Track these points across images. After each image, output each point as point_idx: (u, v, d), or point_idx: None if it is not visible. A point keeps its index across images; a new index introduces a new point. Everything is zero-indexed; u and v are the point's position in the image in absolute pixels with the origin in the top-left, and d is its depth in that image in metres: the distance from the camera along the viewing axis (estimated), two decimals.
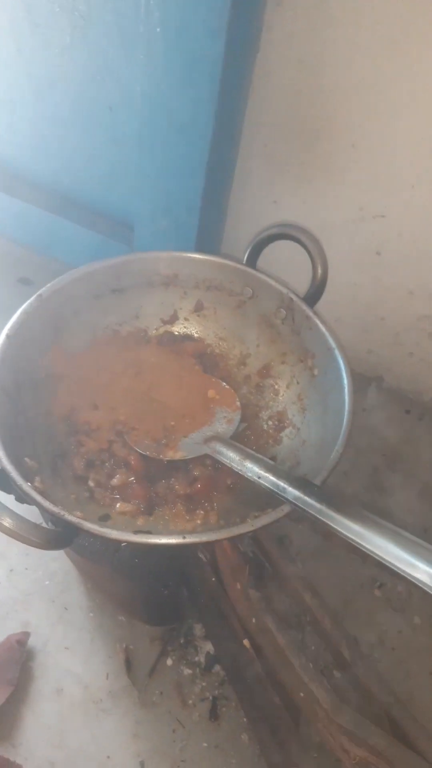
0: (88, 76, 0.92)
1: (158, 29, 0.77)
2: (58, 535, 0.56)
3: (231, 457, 0.66)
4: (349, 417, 0.66)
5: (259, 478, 0.61)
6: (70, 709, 0.84)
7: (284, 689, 0.77)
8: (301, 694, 0.76)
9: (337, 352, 0.72)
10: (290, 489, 0.58)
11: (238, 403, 0.78)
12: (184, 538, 0.56)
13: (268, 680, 0.77)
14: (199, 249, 1.00)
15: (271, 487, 0.59)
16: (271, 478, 0.60)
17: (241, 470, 0.63)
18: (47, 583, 0.94)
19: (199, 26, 0.74)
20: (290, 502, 0.57)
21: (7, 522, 0.53)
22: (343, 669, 0.82)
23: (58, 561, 0.96)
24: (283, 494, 0.58)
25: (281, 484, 0.59)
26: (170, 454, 0.72)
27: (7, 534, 0.53)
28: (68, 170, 1.08)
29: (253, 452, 0.65)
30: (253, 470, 0.62)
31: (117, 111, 0.93)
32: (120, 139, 0.96)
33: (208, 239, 1.01)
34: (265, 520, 0.58)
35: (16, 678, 0.84)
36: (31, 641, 0.89)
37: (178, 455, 0.72)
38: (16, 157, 1.13)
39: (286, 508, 0.58)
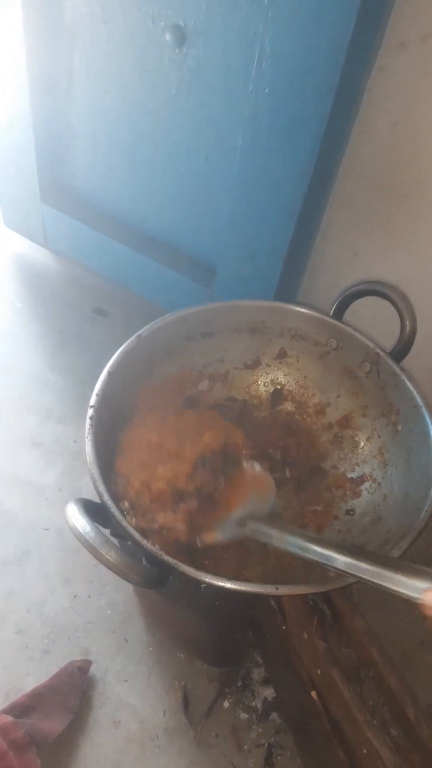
0: (188, 127, 0.96)
1: (267, 89, 0.81)
2: (155, 574, 0.57)
3: (271, 533, 0.62)
4: None
5: (302, 551, 0.57)
6: (126, 742, 0.85)
7: (347, 744, 0.77)
8: (365, 751, 0.75)
9: (424, 411, 0.72)
10: (340, 558, 0.53)
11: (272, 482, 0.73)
12: (276, 588, 0.57)
13: (333, 733, 0.77)
14: (279, 296, 1.03)
15: (318, 559, 0.55)
16: (316, 549, 0.55)
17: (282, 546, 0.59)
18: (109, 612, 0.96)
19: (308, 89, 0.78)
20: (341, 571, 0.53)
21: (112, 557, 0.54)
22: (403, 727, 0.81)
23: (120, 592, 0.97)
24: (332, 564, 0.53)
25: (328, 553, 0.54)
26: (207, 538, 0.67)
27: (109, 568, 0.55)
28: (158, 212, 1.12)
29: (292, 528, 0.62)
30: (295, 544, 0.58)
31: (213, 161, 0.97)
32: (213, 187, 1.00)
33: (288, 286, 1.04)
34: (355, 576, 0.59)
35: (76, 706, 0.85)
36: (91, 670, 0.90)
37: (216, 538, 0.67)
38: (108, 196, 1.19)
39: None
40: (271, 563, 0.72)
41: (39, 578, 0.98)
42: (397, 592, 0.48)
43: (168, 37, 0.90)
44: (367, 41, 0.78)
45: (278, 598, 0.81)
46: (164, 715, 0.87)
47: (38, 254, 1.47)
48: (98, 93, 1.05)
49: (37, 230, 1.32)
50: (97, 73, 1.02)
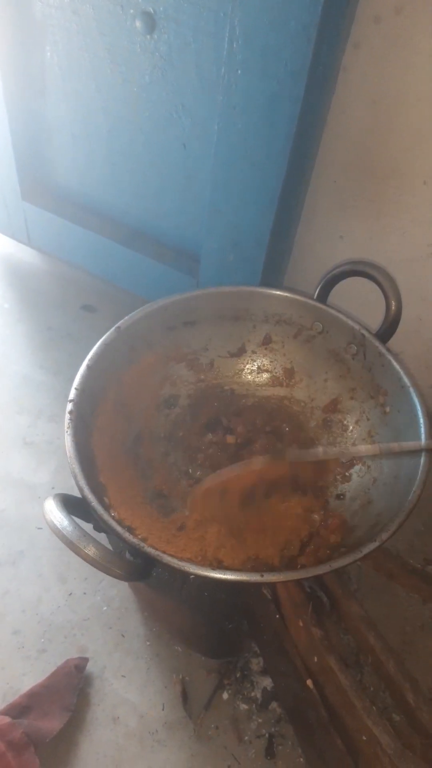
0: (163, 114, 0.95)
1: (239, 71, 0.79)
2: (138, 567, 0.56)
3: None
4: (428, 456, 0.65)
5: None
6: (125, 738, 0.84)
7: (345, 731, 0.76)
8: (364, 738, 0.74)
9: (411, 390, 0.71)
10: None
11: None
12: (261, 576, 0.56)
13: (331, 722, 0.76)
14: (265, 282, 1.01)
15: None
16: None
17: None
18: (105, 608, 0.95)
19: (280, 68, 0.76)
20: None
21: (92, 552, 0.54)
22: (403, 712, 0.80)
23: (116, 587, 0.96)
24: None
25: None
26: None
27: (88, 562, 0.55)
28: (138, 203, 1.11)
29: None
30: None
31: (191, 148, 0.96)
32: (192, 175, 0.99)
33: (273, 272, 1.03)
34: (343, 561, 0.58)
35: (74, 704, 0.84)
36: (89, 667, 0.89)
37: None
38: (90, 190, 1.17)
39: (365, 549, 0.58)
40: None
41: (33, 578, 0.97)
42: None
43: (138, 24, 0.88)
44: (338, 16, 0.76)
45: (272, 587, 0.80)
46: (163, 709, 0.86)
47: (22, 253, 1.45)
48: (72, 86, 1.03)
49: (20, 229, 1.30)
50: (70, 66, 1.01)
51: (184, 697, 0.87)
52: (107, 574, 0.55)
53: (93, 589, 0.96)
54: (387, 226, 1.00)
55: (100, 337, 0.76)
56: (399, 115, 0.87)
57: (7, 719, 0.78)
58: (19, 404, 1.19)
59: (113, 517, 0.60)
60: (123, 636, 0.93)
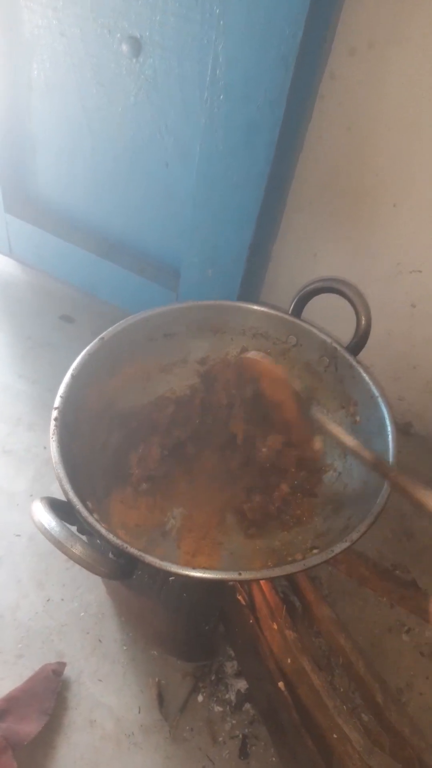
0: (147, 135, 0.98)
1: (222, 96, 0.83)
2: (121, 566, 0.59)
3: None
4: (394, 463, 0.69)
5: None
6: (102, 741, 0.86)
7: (317, 730, 0.79)
8: (335, 736, 0.77)
9: (380, 401, 0.75)
10: None
11: None
12: (239, 574, 0.59)
13: (302, 722, 0.78)
14: (242, 296, 1.05)
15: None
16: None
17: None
18: (82, 614, 0.96)
19: (261, 95, 0.81)
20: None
21: (78, 550, 0.56)
22: (372, 712, 0.84)
23: (93, 593, 0.98)
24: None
25: None
26: None
27: (75, 561, 0.57)
28: (120, 219, 1.14)
29: None
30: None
31: (173, 167, 0.99)
32: (173, 193, 1.02)
33: (250, 287, 1.06)
34: (316, 560, 0.61)
35: (52, 708, 0.85)
36: (66, 671, 0.90)
37: None
38: (72, 204, 1.20)
39: (336, 549, 0.61)
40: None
41: (12, 584, 0.98)
42: None
43: (124, 47, 0.92)
44: (316, 48, 0.81)
45: (249, 591, 0.83)
46: (139, 713, 0.88)
47: (3, 264, 1.47)
48: (58, 104, 1.06)
49: (2, 240, 1.32)
50: (56, 85, 1.04)
51: (160, 700, 0.89)
52: (93, 572, 0.57)
53: (71, 596, 0.98)
54: (359, 245, 1.05)
55: (79, 347, 0.78)
56: (372, 141, 0.92)
57: None
58: None
59: (97, 520, 0.62)
60: (100, 641, 0.94)
